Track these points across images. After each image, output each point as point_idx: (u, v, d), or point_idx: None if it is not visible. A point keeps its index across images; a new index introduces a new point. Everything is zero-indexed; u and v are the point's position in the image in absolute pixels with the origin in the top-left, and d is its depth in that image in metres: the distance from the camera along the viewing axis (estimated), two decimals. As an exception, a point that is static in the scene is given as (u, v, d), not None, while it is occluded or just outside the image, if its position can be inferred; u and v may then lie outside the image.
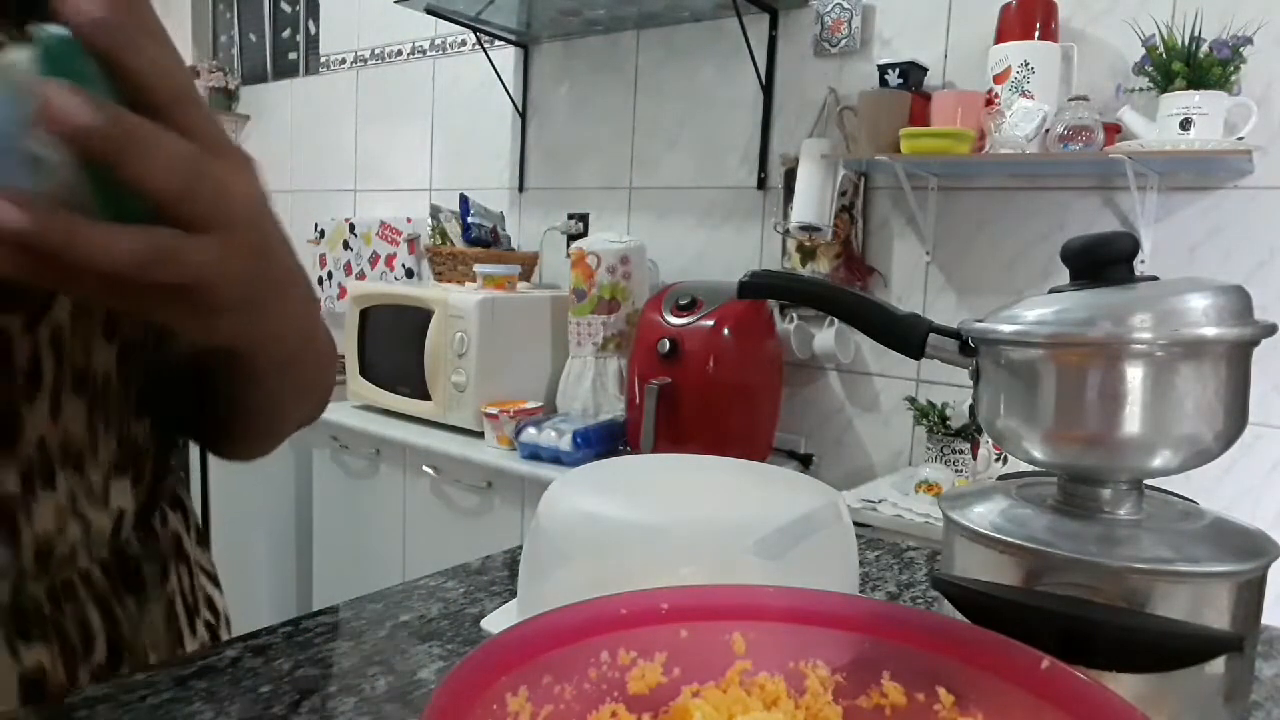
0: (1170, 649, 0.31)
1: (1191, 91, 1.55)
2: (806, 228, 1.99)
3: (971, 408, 0.40)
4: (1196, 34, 1.58)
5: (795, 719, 0.34)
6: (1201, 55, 1.56)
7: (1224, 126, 1.55)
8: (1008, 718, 0.31)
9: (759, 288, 0.46)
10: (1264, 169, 1.62)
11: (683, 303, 1.92)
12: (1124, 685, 0.33)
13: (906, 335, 0.42)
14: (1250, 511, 1.65)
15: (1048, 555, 0.34)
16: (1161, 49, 1.60)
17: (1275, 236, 1.66)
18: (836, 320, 2.10)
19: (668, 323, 1.91)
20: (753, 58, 2.16)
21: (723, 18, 2.22)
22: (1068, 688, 0.30)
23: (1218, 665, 0.33)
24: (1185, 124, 1.55)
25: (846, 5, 2.07)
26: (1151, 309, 0.33)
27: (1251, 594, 0.34)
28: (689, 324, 1.89)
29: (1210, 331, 0.33)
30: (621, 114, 2.48)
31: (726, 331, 1.87)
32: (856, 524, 0.49)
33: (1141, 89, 1.67)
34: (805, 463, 2.12)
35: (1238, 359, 0.34)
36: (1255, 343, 0.34)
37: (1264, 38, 1.60)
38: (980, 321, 0.39)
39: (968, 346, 0.40)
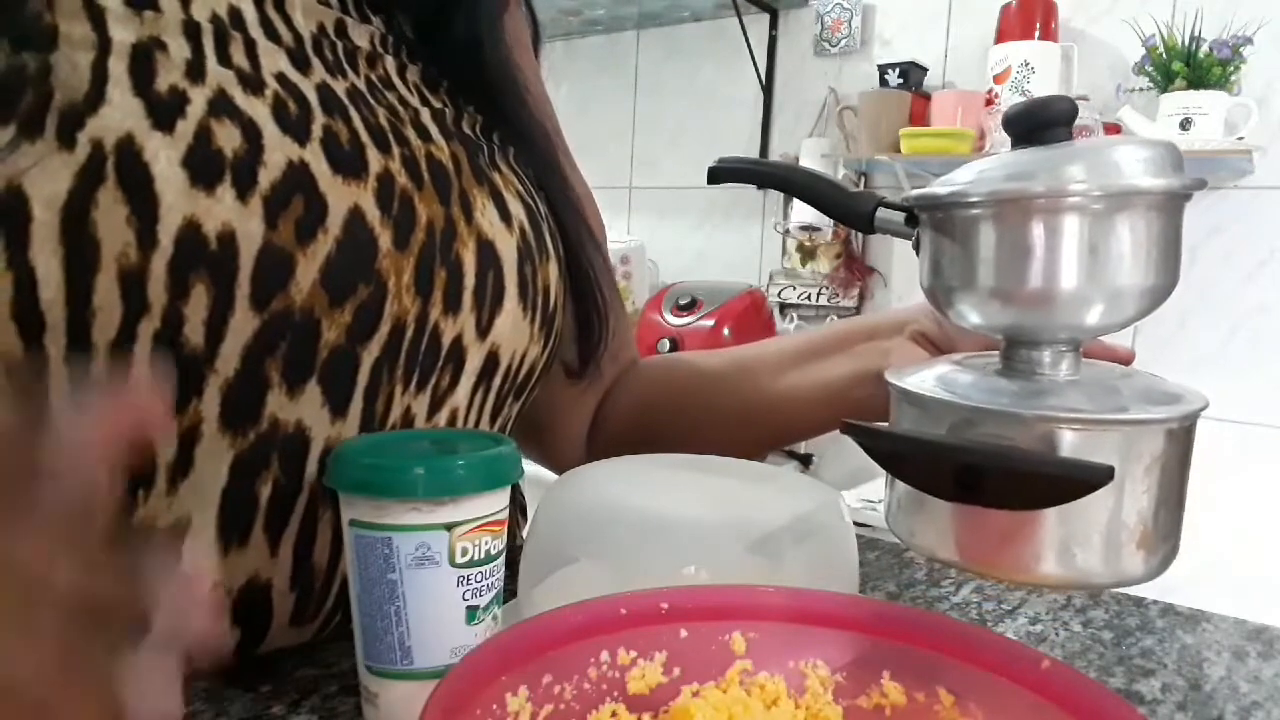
0: (1045, 483, 0.31)
1: (1191, 91, 1.55)
2: (806, 228, 2.00)
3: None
4: (1196, 34, 1.58)
5: (795, 719, 0.34)
6: (1201, 55, 1.56)
7: (1224, 126, 1.55)
8: (1008, 718, 0.31)
9: (728, 172, 0.50)
10: (1264, 169, 1.62)
11: (683, 303, 1.92)
12: (1037, 527, 0.33)
13: (858, 209, 0.44)
14: (1250, 512, 1.65)
15: (965, 408, 0.35)
16: (1161, 49, 1.60)
17: (1275, 236, 1.66)
18: (836, 319, 2.10)
19: (668, 323, 1.91)
20: (753, 58, 2.15)
21: (723, 18, 2.22)
22: (1068, 688, 0.30)
23: (1130, 512, 0.33)
24: (1185, 124, 1.55)
25: (846, 5, 2.07)
26: (1084, 162, 0.34)
27: (1173, 446, 0.34)
28: (689, 324, 1.89)
29: (1143, 182, 0.35)
30: (621, 114, 2.48)
31: (726, 331, 1.87)
32: (856, 524, 0.49)
33: (1141, 89, 1.67)
34: (805, 463, 2.12)
35: (1170, 211, 0.36)
36: (1187, 196, 0.36)
37: (1264, 38, 1.60)
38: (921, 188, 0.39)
39: (915, 218, 0.41)
